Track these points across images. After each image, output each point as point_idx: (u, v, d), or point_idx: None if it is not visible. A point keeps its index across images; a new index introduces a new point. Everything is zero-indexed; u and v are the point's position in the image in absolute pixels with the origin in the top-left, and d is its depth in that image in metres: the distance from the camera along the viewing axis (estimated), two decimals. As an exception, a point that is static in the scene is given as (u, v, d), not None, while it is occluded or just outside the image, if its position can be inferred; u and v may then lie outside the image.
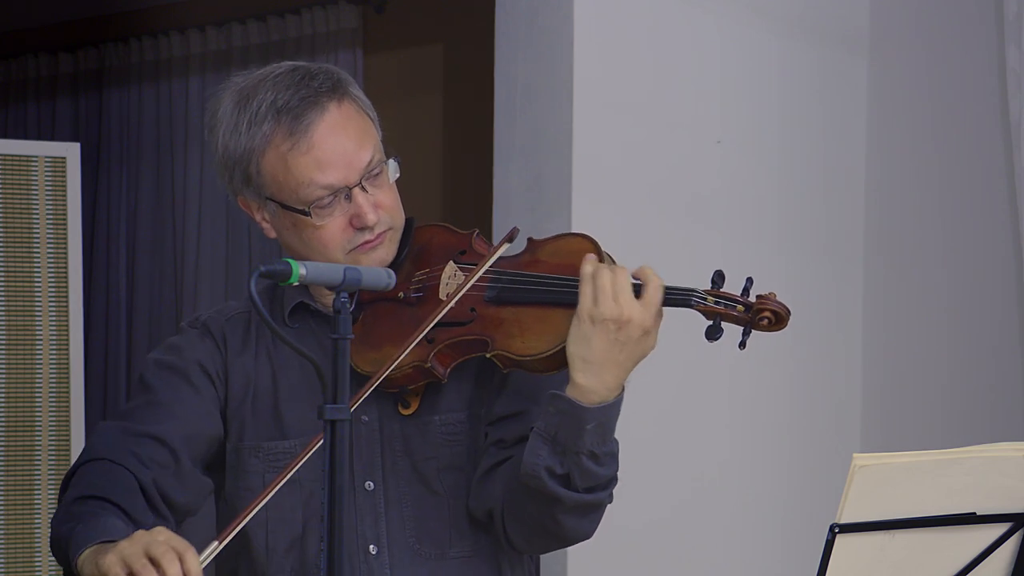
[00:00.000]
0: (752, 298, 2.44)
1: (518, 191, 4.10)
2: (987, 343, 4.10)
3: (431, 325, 2.48)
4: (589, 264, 2.44)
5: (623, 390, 2.47)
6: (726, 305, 2.44)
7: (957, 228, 4.16)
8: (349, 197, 2.53)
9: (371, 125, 2.59)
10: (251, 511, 2.39)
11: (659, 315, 2.44)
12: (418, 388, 2.54)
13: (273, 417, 2.60)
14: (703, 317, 2.45)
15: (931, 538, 2.24)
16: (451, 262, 2.58)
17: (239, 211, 4.87)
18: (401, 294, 2.58)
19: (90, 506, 2.48)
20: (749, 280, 2.46)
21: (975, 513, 2.24)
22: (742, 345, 2.42)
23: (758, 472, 4.21)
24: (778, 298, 2.44)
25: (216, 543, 2.37)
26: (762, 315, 2.43)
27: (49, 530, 2.57)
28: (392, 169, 2.58)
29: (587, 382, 2.42)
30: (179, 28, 6.37)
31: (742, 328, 2.44)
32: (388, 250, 2.58)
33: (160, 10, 6.43)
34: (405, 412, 2.57)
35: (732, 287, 2.46)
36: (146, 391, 2.60)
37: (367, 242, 2.55)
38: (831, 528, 2.18)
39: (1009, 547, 2.28)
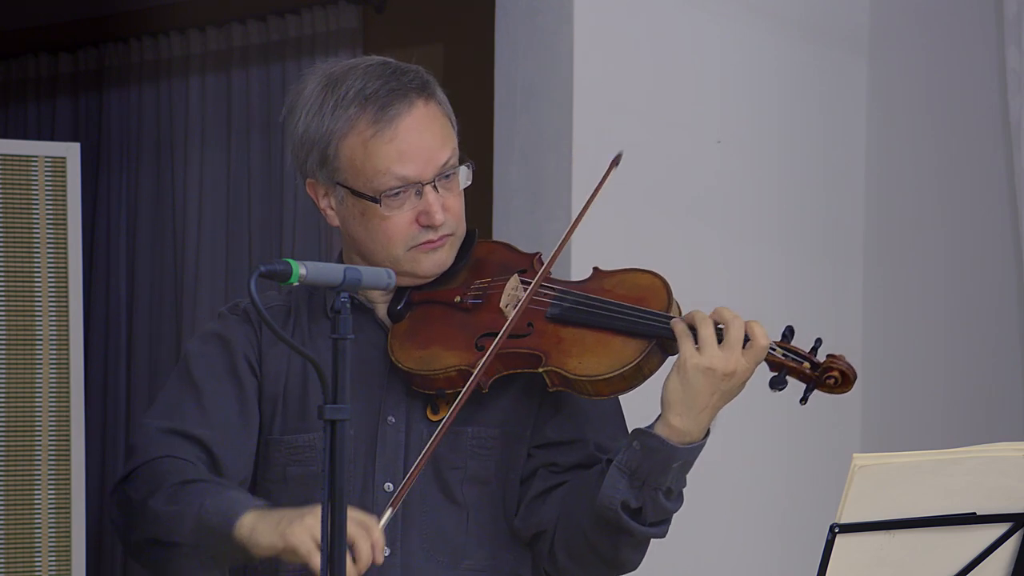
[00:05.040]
0: (822, 357, 2.48)
1: (518, 191, 4.10)
2: (987, 343, 4.10)
3: (506, 330, 2.50)
4: (690, 314, 2.48)
5: (708, 432, 2.52)
6: (794, 359, 2.48)
7: (957, 228, 4.16)
8: (420, 193, 2.54)
9: (451, 129, 2.61)
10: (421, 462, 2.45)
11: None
12: (456, 393, 2.53)
13: (300, 410, 2.61)
14: (767, 367, 2.49)
15: (931, 538, 2.24)
16: (516, 275, 2.59)
17: (239, 211, 4.91)
18: (458, 298, 2.58)
19: (201, 486, 2.49)
20: (818, 340, 2.49)
21: (975, 513, 2.24)
22: (803, 401, 2.48)
23: (758, 472, 4.21)
24: (847, 359, 2.48)
25: (390, 509, 2.43)
26: (830, 374, 2.47)
27: (125, 516, 2.56)
28: (463, 176, 2.60)
29: (684, 425, 2.47)
30: (179, 28, 6.36)
31: (806, 385, 2.49)
32: (447, 254, 2.59)
33: (160, 10, 6.42)
34: (433, 417, 2.56)
35: (800, 343, 2.51)
36: (195, 389, 2.61)
37: (429, 242, 2.56)
38: (831, 528, 2.18)
39: (1009, 547, 2.28)
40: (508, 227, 4.06)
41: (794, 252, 4.26)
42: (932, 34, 4.21)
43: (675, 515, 3.66)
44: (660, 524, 2.55)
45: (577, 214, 2.71)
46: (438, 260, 2.58)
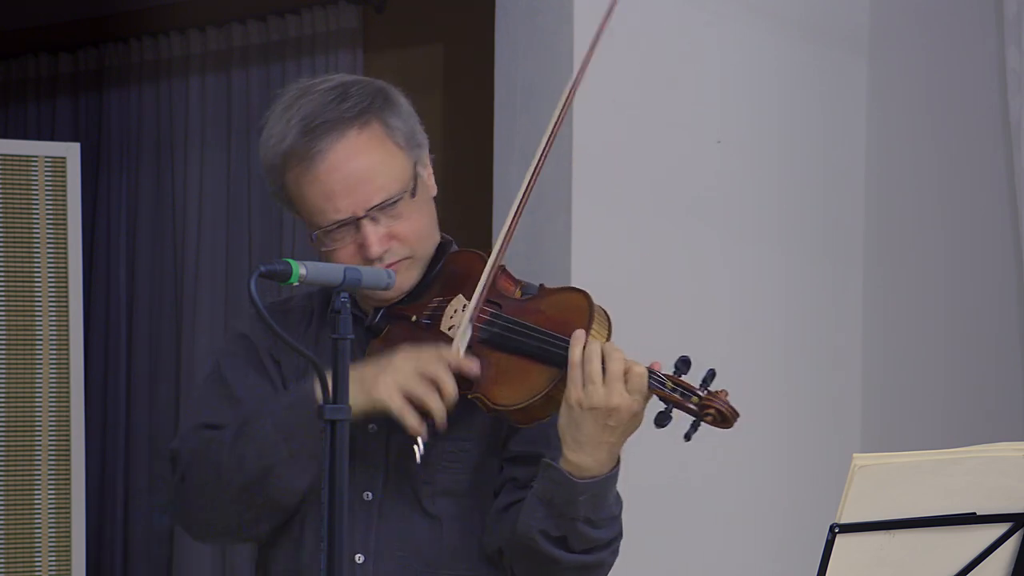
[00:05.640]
0: (705, 392, 2.40)
1: (518, 191, 4.09)
2: (987, 343, 4.10)
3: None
4: (578, 347, 2.40)
5: (618, 461, 2.46)
6: (682, 394, 2.40)
7: (957, 228, 4.16)
8: (358, 227, 2.51)
9: (396, 154, 2.54)
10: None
11: (647, 398, 2.42)
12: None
13: None
14: (657, 401, 2.42)
15: (931, 538, 2.24)
16: (460, 295, 2.55)
17: (239, 211, 4.90)
18: (415, 317, 2.56)
19: (252, 414, 2.51)
20: (710, 372, 2.42)
21: (975, 513, 2.24)
22: (687, 437, 2.40)
23: (758, 472, 4.21)
24: (728, 398, 2.40)
25: (470, 328, 2.46)
26: (707, 411, 2.39)
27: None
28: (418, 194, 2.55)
29: (579, 460, 2.42)
30: (179, 28, 6.36)
31: (692, 420, 2.41)
32: (406, 276, 2.55)
33: (160, 10, 6.42)
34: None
35: (695, 372, 2.43)
36: (225, 386, 2.60)
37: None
38: (831, 528, 2.18)
39: (1009, 547, 2.28)
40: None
41: (794, 252, 4.26)
42: (932, 34, 4.21)
43: (673, 515, 3.65)
44: (593, 551, 2.48)
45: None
46: (394, 284, 2.53)
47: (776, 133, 4.24)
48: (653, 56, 4.09)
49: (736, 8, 4.16)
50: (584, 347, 2.40)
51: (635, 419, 2.42)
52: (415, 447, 2.44)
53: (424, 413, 2.43)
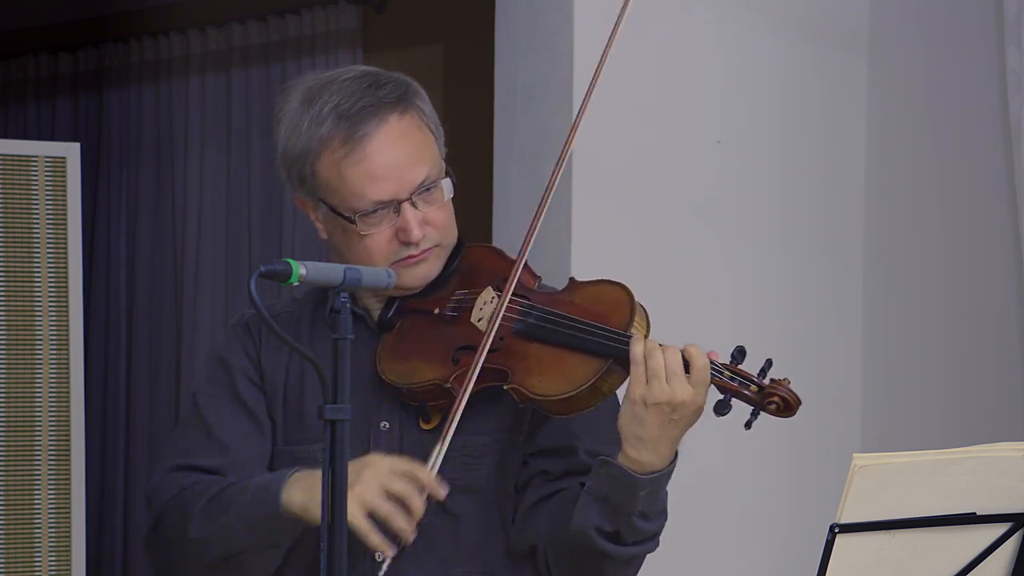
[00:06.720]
0: (767, 380, 2.41)
1: (518, 191, 4.10)
2: (987, 343, 4.10)
3: (478, 364, 2.47)
4: (639, 344, 2.41)
5: (676, 455, 2.47)
6: (740, 383, 2.42)
7: (957, 228, 4.16)
8: (398, 210, 2.52)
9: (431, 141, 2.57)
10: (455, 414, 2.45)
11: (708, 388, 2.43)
12: (440, 405, 2.52)
13: (299, 418, 2.60)
14: (716, 390, 2.43)
15: (931, 538, 2.24)
16: (489, 287, 2.56)
17: (239, 211, 4.90)
18: (437, 310, 2.56)
19: (227, 493, 2.52)
20: (768, 361, 2.43)
21: (975, 513, 2.25)
22: (748, 426, 2.41)
23: (758, 472, 4.21)
24: (791, 386, 2.41)
25: (439, 445, 2.44)
26: (771, 400, 2.40)
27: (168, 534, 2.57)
28: (446, 188, 2.56)
29: (642, 456, 2.43)
30: (179, 28, 6.37)
31: (751, 408, 2.42)
32: (432, 266, 2.57)
33: (160, 10, 6.43)
34: (425, 426, 2.54)
35: (751, 364, 2.44)
36: (203, 423, 2.61)
37: (411, 256, 2.54)
38: (831, 528, 2.18)
39: (1009, 547, 2.28)
40: (508, 227, 4.06)
41: (794, 252, 4.26)
42: (932, 34, 4.21)
43: (673, 514, 3.63)
44: (642, 543, 2.50)
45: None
46: (421, 273, 2.56)
47: (776, 133, 4.24)
48: (653, 56, 4.09)
49: (736, 8, 4.16)
50: (645, 343, 2.41)
51: (698, 412, 2.43)
52: (379, 560, 2.44)
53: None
